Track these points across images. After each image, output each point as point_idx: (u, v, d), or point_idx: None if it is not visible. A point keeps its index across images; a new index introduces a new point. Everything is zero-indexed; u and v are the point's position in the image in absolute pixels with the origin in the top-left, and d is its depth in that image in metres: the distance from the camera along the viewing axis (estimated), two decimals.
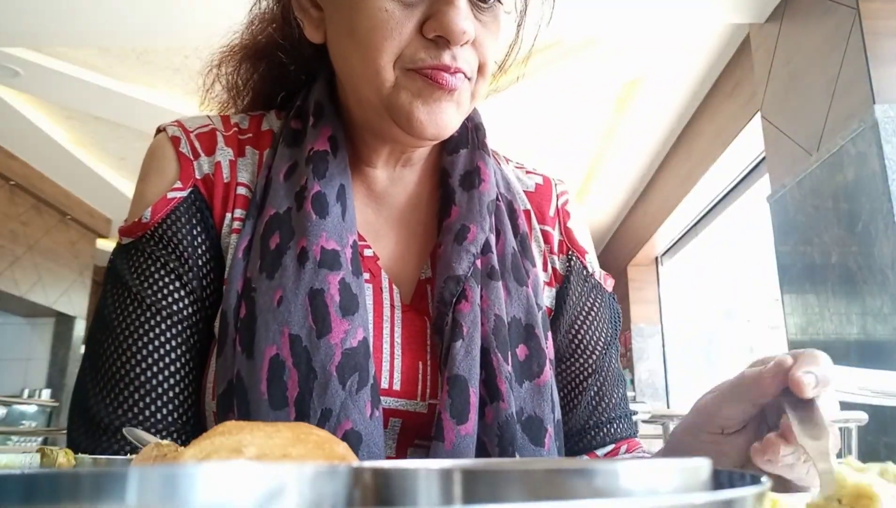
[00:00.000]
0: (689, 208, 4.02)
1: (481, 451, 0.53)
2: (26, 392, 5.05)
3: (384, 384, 0.56)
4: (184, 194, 0.59)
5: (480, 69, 0.58)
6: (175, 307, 0.57)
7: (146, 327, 0.56)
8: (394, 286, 0.60)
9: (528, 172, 0.72)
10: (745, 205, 3.59)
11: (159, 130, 0.64)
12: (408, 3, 0.54)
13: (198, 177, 0.61)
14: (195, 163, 0.61)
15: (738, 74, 2.98)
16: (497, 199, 0.64)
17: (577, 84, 3.29)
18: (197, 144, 0.62)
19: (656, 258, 5.21)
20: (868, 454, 1.86)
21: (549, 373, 0.57)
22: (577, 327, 0.67)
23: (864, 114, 1.92)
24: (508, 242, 0.62)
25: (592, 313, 0.67)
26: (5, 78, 3.29)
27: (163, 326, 0.57)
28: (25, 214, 4.60)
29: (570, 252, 0.68)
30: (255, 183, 0.61)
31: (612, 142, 3.97)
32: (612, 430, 0.66)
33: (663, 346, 5.14)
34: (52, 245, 4.93)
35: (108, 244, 5.49)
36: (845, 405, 1.61)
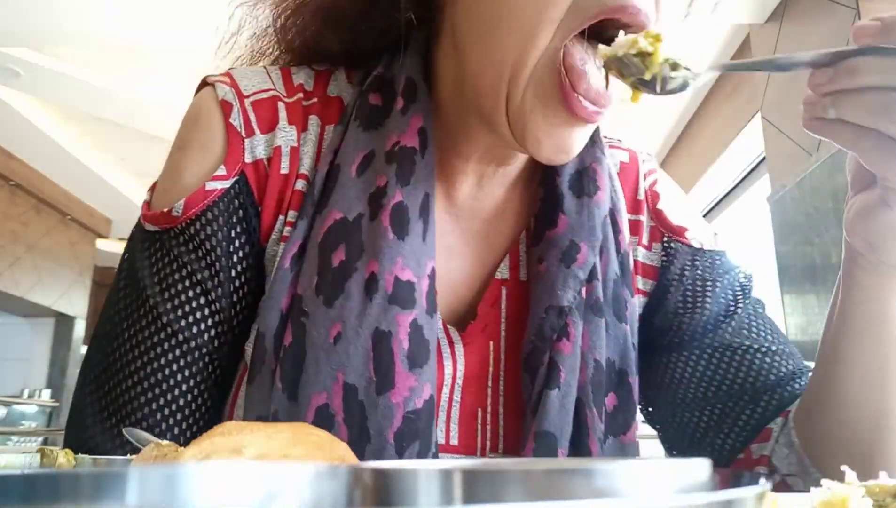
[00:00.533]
0: None
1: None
2: (26, 393, 5.05)
3: (440, 439, 0.47)
4: (227, 184, 0.48)
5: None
6: (195, 330, 0.48)
7: (158, 349, 0.48)
8: (449, 329, 0.50)
9: (612, 147, 0.60)
10: (745, 205, 3.59)
11: (205, 84, 0.51)
12: None
13: (247, 161, 0.49)
14: (247, 142, 0.49)
15: (737, 75, 2.98)
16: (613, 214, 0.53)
17: None
18: (252, 117, 0.49)
19: None
20: None
21: (635, 430, 0.49)
22: (697, 317, 0.56)
23: None
24: (611, 265, 0.51)
25: (713, 292, 0.56)
26: (6, 78, 3.29)
27: (177, 352, 0.48)
28: (25, 214, 4.60)
29: (665, 238, 0.57)
30: (315, 170, 0.49)
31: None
32: (776, 398, 0.54)
33: None
34: (53, 246, 4.93)
35: (108, 245, 5.49)
36: None
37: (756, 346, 0.55)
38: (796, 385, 0.55)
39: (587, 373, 0.47)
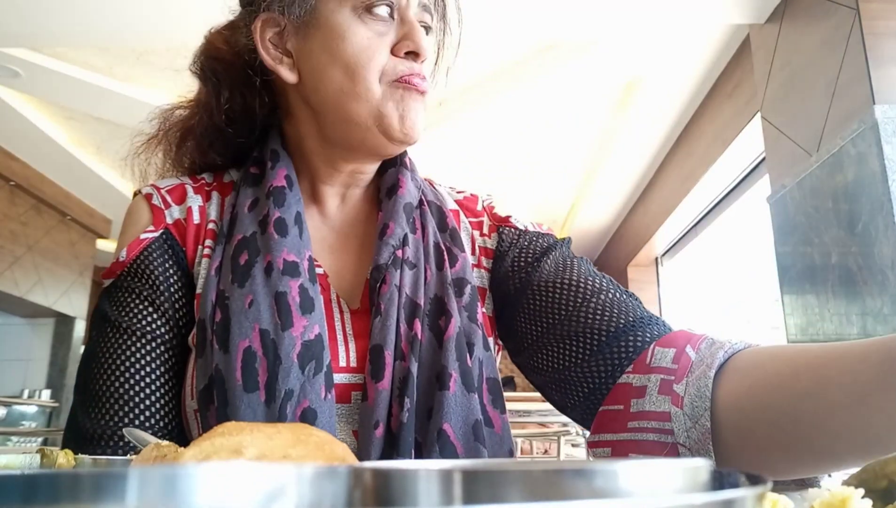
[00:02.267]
0: (689, 208, 4.03)
1: (393, 401, 0.62)
2: (26, 393, 5.05)
3: (342, 363, 0.66)
4: (155, 234, 0.70)
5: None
6: (150, 328, 0.67)
7: (124, 347, 0.65)
8: (341, 299, 0.71)
9: (458, 191, 0.85)
10: (745, 205, 3.59)
11: (136, 194, 0.75)
12: (381, 32, 0.67)
13: (169, 222, 0.72)
14: (166, 211, 0.72)
15: (737, 75, 2.98)
16: (423, 204, 0.77)
17: (577, 84, 3.29)
18: (168, 197, 0.74)
19: (656, 259, 5.21)
20: None
21: (453, 330, 0.66)
22: (529, 272, 0.73)
23: (863, 114, 1.92)
24: (430, 235, 0.74)
25: (547, 255, 0.74)
26: (5, 78, 3.29)
27: (139, 345, 0.66)
28: (25, 214, 4.60)
29: (498, 228, 0.79)
30: (222, 218, 0.73)
31: (612, 142, 3.97)
32: (636, 339, 0.63)
33: None
34: (52, 246, 4.93)
35: (108, 245, 5.49)
36: None
37: (577, 281, 0.70)
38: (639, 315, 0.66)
39: (402, 302, 0.67)
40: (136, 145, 0.82)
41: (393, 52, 0.68)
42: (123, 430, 0.49)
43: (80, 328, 5.37)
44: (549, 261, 0.73)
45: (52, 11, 2.58)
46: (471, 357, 0.66)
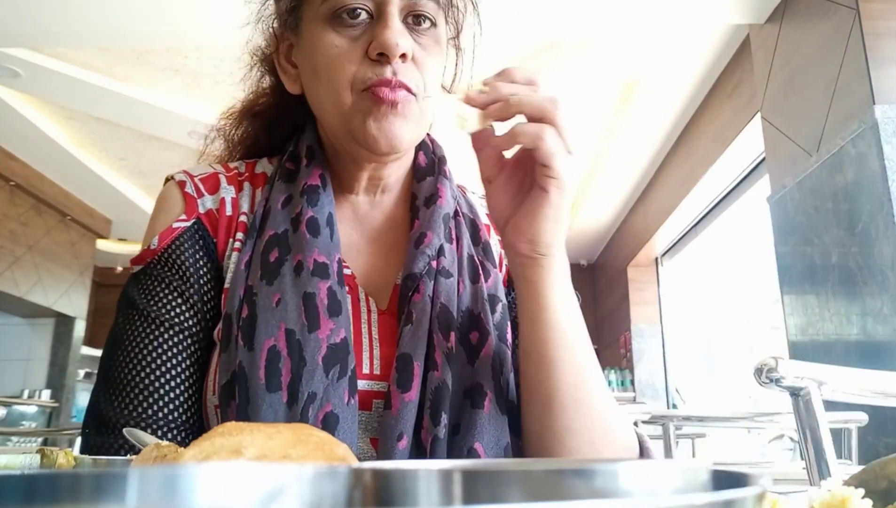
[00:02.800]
0: (689, 208, 4.03)
1: (420, 414, 0.61)
2: (26, 393, 5.05)
3: (366, 370, 0.65)
4: (188, 223, 0.69)
5: (425, 87, 0.66)
6: (178, 320, 0.66)
7: (151, 337, 0.64)
8: (370, 298, 0.70)
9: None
10: (745, 205, 3.59)
11: (168, 180, 0.74)
12: (354, 37, 0.64)
13: (201, 211, 0.70)
14: (199, 201, 0.71)
15: (737, 75, 2.98)
16: (458, 215, 0.76)
17: (577, 84, 3.29)
18: (201, 186, 0.72)
19: (656, 259, 5.21)
20: (868, 454, 1.86)
21: (490, 348, 0.66)
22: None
23: (863, 114, 1.92)
24: (465, 247, 0.73)
25: None
26: (5, 78, 3.29)
27: (166, 335, 0.65)
28: (25, 214, 4.60)
29: None
30: (254, 211, 0.72)
31: (612, 142, 3.97)
32: None
33: (663, 346, 5.14)
34: (52, 246, 4.93)
35: (108, 245, 5.49)
36: (845, 406, 1.61)
37: None
38: None
39: (435, 312, 0.65)
40: (212, 134, 0.82)
41: (367, 55, 0.64)
42: (124, 430, 0.49)
43: (79, 328, 5.37)
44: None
45: (53, 11, 2.58)
46: (502, 378, 0.65)
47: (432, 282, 0.67)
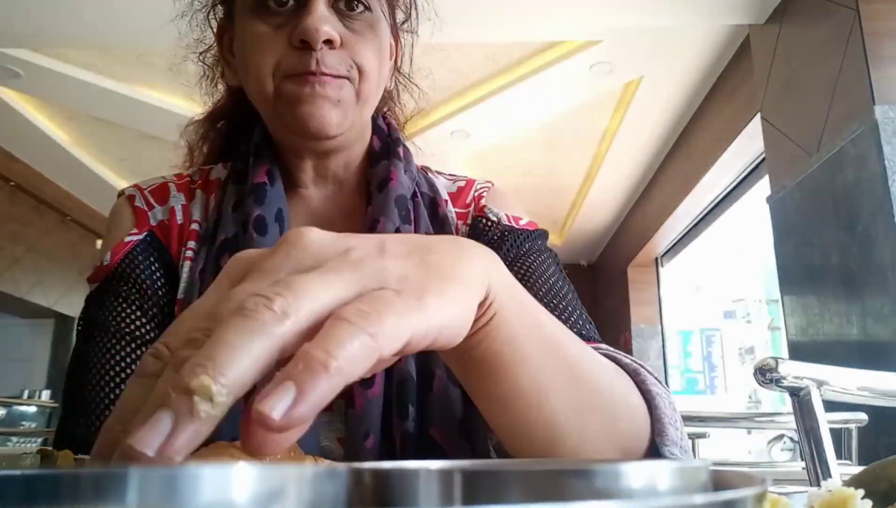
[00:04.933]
0: (689, 209, 4.02)
1: (387, 409, 0.59)
2: (26, 393, 5.05)
3: None
4: (140, 237, 0.69)
5: (360, 71, 0.65)
6: (139, 332, 0.65)
7: (113, 351, 0.64)
8: None
9: (455, 180, 0.81)
10: (745, 206, 3.59)
11: (119, 195, 0.74)
12: (278, 24, 0.63)
13: (153, 224, 0.70)
14: (149, 213, 0.71)
15: (737, 75, 2.98)
16: (417, 197, 0.73)
17: (578, 84, 3.29)
18: (150, 198, 0.72)
19: (656, 259, 5.21)
20: (868, 454, 1.86)
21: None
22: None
23: (863, 115, 1.92)
24: (422, 228, 0.71)
25: (501, 247, 0.70)
26: (6, 79, 3.29)
27: (129, 349, 0.64)
28: (26, 215, 4.60)
29: (474, 218, 0.75)
30: (206, 219, 0.71)
31: (612, 142, 3.97)
32: None
33: (663, 346, 5.14)
34: (53, 246, 4.93)
35: None
36: (845, 406, 1.61)
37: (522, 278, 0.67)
38: None
39: None
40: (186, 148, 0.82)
41: (291, 42, 0.63)
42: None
43: None
44: (503, 250, 0.69)
45: (53, 12, 2.58)
46: None
47: None
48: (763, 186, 3.01)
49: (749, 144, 3.02)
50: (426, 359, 0.61)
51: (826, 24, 2.16)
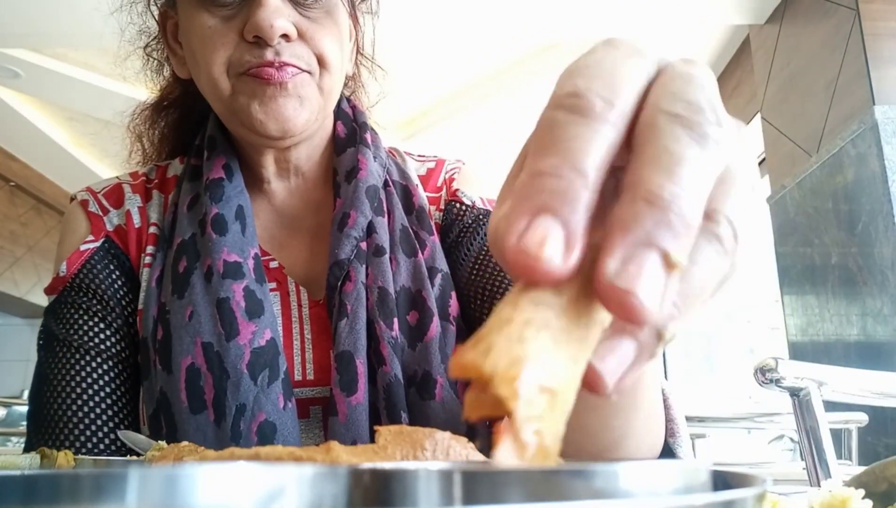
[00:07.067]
0: None
1: (374, 416, 0.55)
2: (26, 394, 5.05)
3: (298, 377, 0.59)
4: (96, 244, 0.64)
5: (321, 63, 0.60)
6: (102, 346, 0.61)
7: (77, 367, 0.60)
8: (300, 288, 0.64)
9: (424, 161, 0.76)
10: None
11: (72, 199, 0.69)
12: (227, 16, 0.58)
13: (109, 229, 0.66)
14: (105, 218, 0.66)
15: (737, 75, 2.98)
16: (389, 186, 0.68)
17: None
18: (105, 202, 0.67)
19: None
20: (868, 454, 1.86)
21: (435, 330, 0.59)
22: (475, 261, 0.66)
23: (863, 115, 1.92)
24: (397, 219, 0.65)
25: (478, 230, 0.67)
26: (6, 79, 3.29)
27: (93, 364, 0.60)
28: (25, 215, 4.60)
29: (448, 202, 0.71)
30: (164, 220, 0.66)
31: None
32: None
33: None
34: (53, 246, 4.92)
35: None
36: (845, 406, 1.61)
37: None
38: None
39: (373, 299, 0.59)
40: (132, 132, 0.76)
41: (243, 37, 0.57)
42: (119, 433, 0.48)
43: None
44: (480, 235, 0.66)
45: (53, 12, 2.58)
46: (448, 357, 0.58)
47: (364, 266, 0.60)
48: (763, 186, 3.01)
49: (749, 143, 3.01)
50: (426, 365, 0.57)
51: (826, 24, 2.16)
